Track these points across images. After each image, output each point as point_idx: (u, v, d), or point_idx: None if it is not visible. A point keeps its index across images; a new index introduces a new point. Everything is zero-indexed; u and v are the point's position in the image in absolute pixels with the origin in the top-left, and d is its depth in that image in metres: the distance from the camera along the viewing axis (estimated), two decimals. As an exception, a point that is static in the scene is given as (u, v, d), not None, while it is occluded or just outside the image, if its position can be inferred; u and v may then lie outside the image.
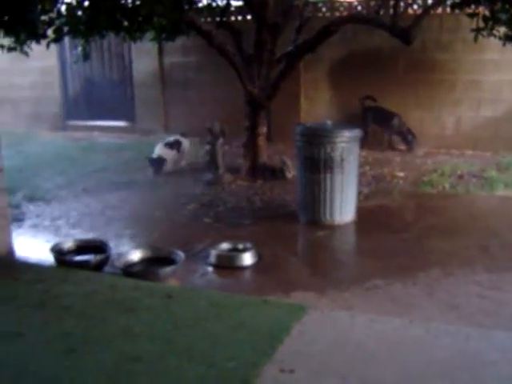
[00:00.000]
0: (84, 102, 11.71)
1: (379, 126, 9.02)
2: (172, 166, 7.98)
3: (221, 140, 7.38)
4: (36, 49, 8.02)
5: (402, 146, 9.01)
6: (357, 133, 5.80)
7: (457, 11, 6.71)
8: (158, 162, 7.77)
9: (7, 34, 7.12)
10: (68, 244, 5.01)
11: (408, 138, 8.90)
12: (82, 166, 8.58)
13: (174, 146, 8.06)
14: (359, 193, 6.16)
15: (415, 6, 8.72)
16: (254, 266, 4.83)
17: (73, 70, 11.63)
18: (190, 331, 3.35)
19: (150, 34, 8.27)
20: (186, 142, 8.25)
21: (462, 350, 3.12)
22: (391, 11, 6.90)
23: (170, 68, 10.66)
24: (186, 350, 3.12)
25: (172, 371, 2.93)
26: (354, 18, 8.02)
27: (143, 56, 10.71)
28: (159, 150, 7.94)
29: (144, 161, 8.04)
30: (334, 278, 4.65)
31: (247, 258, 4.85)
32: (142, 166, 8.06)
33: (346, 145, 5.63)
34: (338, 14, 9.20)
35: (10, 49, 7.77)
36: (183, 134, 8.38)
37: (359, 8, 9.16)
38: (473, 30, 6.28)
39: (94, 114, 11.56)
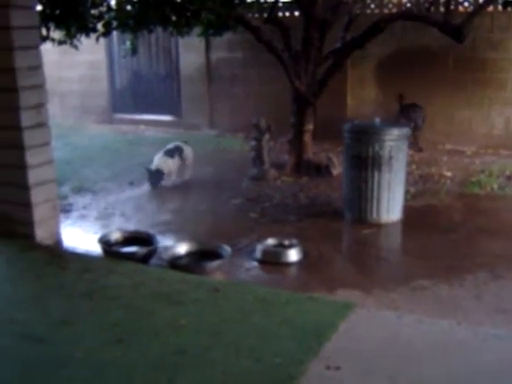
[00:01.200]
0: (131, 96, 11.81)
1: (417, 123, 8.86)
2: (175, 176, 7.25)
3: (267, 136, 7.36)
4: (85, 42, 8.17)
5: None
6: (406, 131, 5.75)
7: (509, 9, 6.60)
8: (155, 175, 7.01)
9: (58, 27, 7.29)
10: (115, 235, 5.07)
11: None
12: (128, 158, 8.66)
13: (175, 153, 7.19)
14: (406, 192, 6.09)
15: (466, 4, 8.58)
16: (300, 263, 4.82)
17: (120, 64, 11.74)
18: (236, 325, 3.35)
19: (197, 29, 8.32)
20: (188, 150, 7.39)
21: (512, 355, 3.07)
22: (441, 9, 6.81)
23: (217, 63, 10.68)
24: (233, 343, 3.13)
25: (218, 364, 2.93)
26: (404, 14, 7.91)
27: (190, 51, 10.75)
28: (159, 161, 7.08)
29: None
30: (380, 277, 4.62)
31: (293, 255, 4.84)
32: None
33: (395, 143, 5.57)
34: (386, 11, 9.11)
35: (61, 42, 7.95)
36: (185, 142, 7.60)
37: (408, 5, 9.06)
38: (526, 29, 6.18)
39: (141, 107, 11.65)
